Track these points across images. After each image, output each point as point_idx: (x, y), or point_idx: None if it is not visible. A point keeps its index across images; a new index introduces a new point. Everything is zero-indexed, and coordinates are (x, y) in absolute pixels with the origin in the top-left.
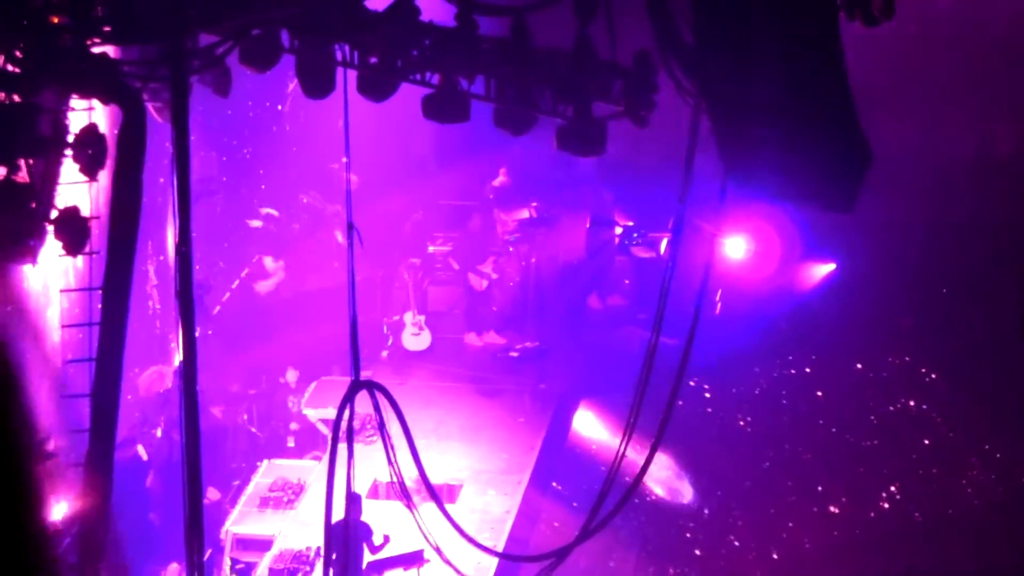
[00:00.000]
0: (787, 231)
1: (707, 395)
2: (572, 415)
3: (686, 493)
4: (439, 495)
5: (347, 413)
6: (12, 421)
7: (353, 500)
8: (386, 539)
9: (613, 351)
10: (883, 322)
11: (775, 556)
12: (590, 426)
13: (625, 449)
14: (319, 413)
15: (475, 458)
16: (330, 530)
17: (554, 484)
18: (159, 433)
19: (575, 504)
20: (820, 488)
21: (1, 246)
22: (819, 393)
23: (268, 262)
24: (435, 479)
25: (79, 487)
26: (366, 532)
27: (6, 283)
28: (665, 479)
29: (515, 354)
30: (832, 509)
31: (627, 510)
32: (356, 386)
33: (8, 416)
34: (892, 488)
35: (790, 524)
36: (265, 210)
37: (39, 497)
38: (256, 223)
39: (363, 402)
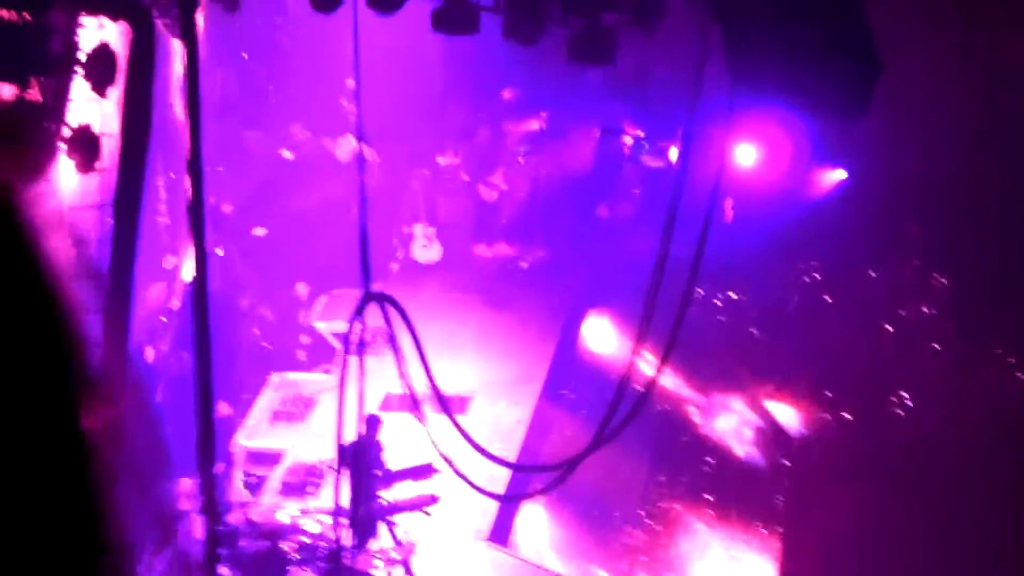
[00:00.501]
0: (797, 138)
1: (718, 303)
2: (582, 325)
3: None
4: (450, 406)
5: (358, 326)
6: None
7: (372, 422)
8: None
9: (623, 261)
10: (891, 228)
11: (787, 463)
12: (601, 336)
13: (635, 358)
14: (330, 326)
15: (486, 369)
16: (342, 449)
17: (565, 393)
18: (165, 347)
19: (586, 413)
20: (830, 394)
21: (14, 165)
22: (828, 298)
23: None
24: (446, 390)
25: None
26: (377, 451)
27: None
28: (676, 389)
29: (525, 265)
30: (844, 415)
31: (638, 420)
32: (367, 298)
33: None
34: (903, 393)
35: (804, 431)
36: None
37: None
38: (287, 154)
39: (374, 315)
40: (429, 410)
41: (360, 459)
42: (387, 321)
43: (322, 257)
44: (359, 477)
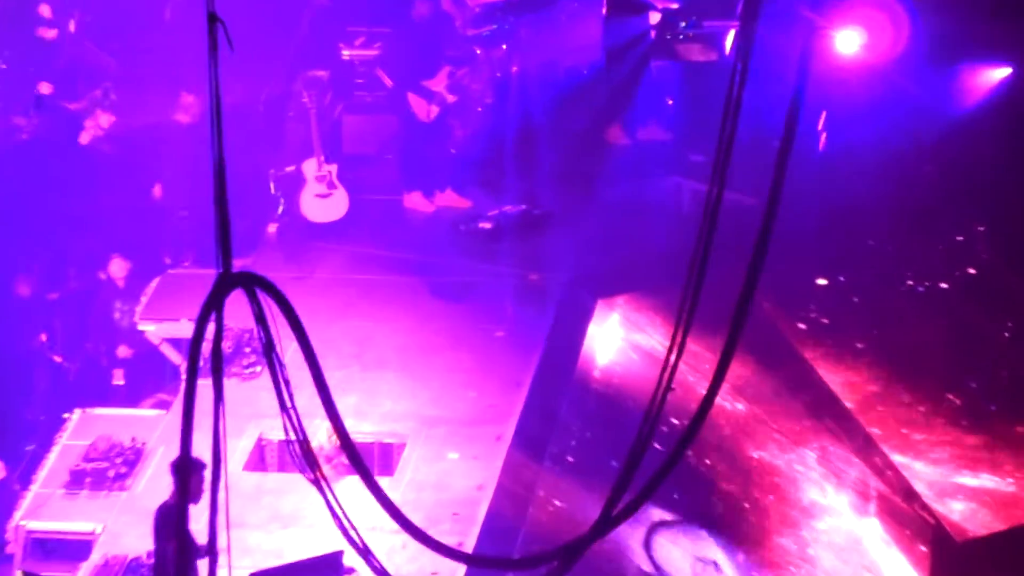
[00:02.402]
0: (930, 19)
1: (810, 287)
2: (584, 325)
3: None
4: (366, 461)
5: (211, 329)
6: None
7: (196, 470)
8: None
9: (648, 217)
10: None
11: (926, 550)
12: (614, 341)
13: (671, 377)
14: (164, 329)
15: (425, 400)
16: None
17: (555, 435)
18: None
19: (590, 466)
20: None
21: None
22: (972, 271)
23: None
24: (359, 435)
25: None
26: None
27: None
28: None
29: (487, 225)
30: None
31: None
32: (226, 283)
33: None
34: None
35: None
36: None
37: None
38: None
39: (239, 310)
40: (331, 467)
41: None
42: (260, 321)
43: (150, 217)
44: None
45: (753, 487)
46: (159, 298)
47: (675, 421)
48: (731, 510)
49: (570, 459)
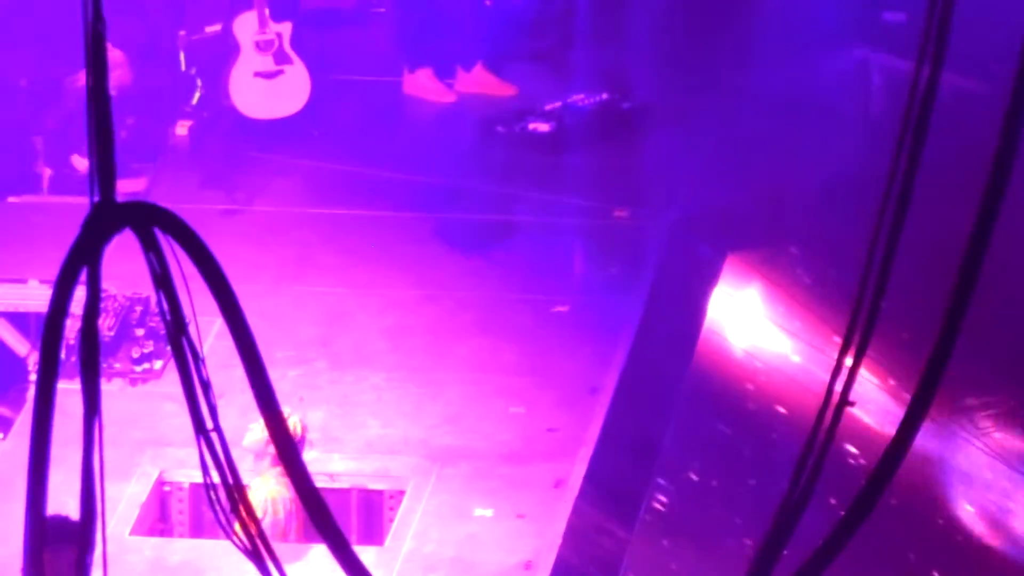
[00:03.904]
0: None
1: None
2: (704, 295)
3: None
4: (335, 521)
5: (80, 296)
6: None
7: (57, 544)
8: None
9: (811, 117)
10: None
11: None
12: (751, 323)
13: (848, 385)
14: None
15: (436, 420)
16: None
17: (654, 488)
18: None
19: (712, 534)
20: None
21: None
22: None
23: None
24: (326, 478)
25: None
26: None
27: None
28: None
29: (544, 127)
30: None
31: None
32: (105, 219)
33: None
34: None
35: None
36: None
37: None
38: None
39: (126, 265)
40: (282, 523)
41: None
42: (162, 284)
43: None
44: None
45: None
46: None
47: (852, 450)
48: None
49: (678, 516)
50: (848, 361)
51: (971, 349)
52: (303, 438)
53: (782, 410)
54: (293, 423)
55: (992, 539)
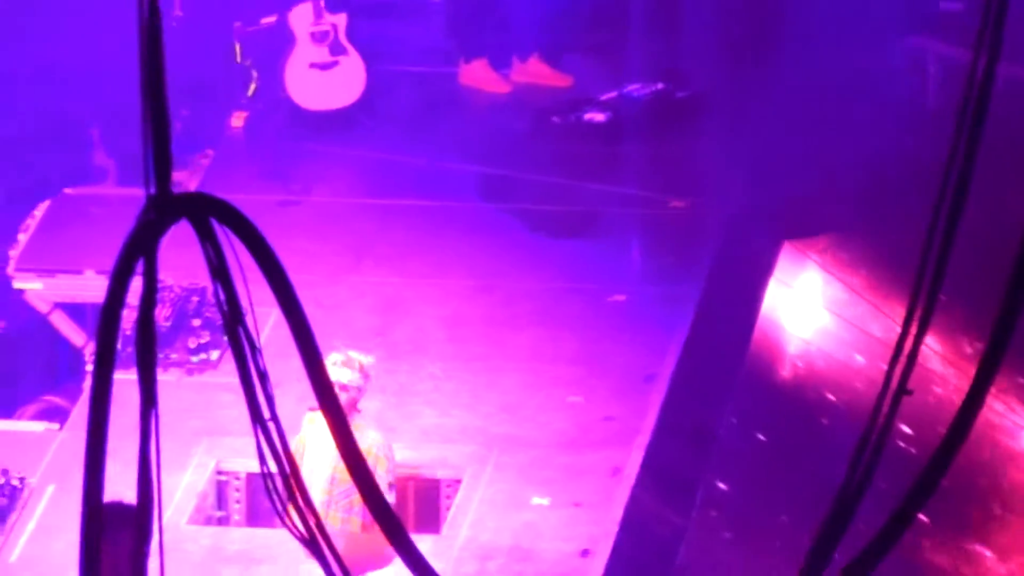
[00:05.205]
0: None
1: None
2: (762, 284)
3: None
4: (394, 512)
5: (136, 287)
6: None
7: (114, 529)
8: None
9: (867, 107)
10: None
11: None
12: (810, 311)
13: (907, 372)
14: (57, 287)
15: (493, 409)
16: None
17: (712, 475)
18: None
19: (769, 523)
20: None
21: None
22: None
23: None
24: (388, 467)
25: None
26: None
27: None
28: None
29: (600, 117)
30: None
31: None
32: (161, 211)
33: None
34: None
35: None
36: None
37: None
38: None
39: (183, 256)
40: (339, 517)
41: None
42: (219, 275)
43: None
44: None
45: None
46: (47, 235)
47: (908, 431)
48: None
49: (735, 507)
50: (907, 348)
51: None
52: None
53: (840, 398)
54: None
55: None
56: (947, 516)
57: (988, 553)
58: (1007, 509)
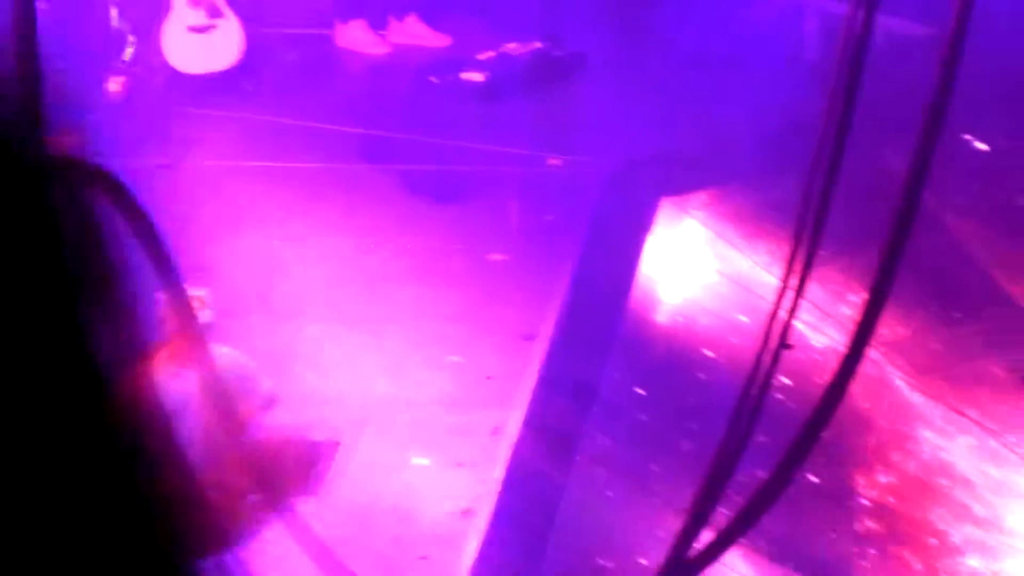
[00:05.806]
0: None
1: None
2: (639, 240)
3: None
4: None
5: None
6: None
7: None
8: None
9: (745, 62)
10: None
11: None
12: (689, 267)
13: (786, 327)
14: None
15: (373, 370)
16: None
17: (592, 433)
18: None
19: (649, 479)
20: None
21: None
22: None
23: None
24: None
25: None
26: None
27: None
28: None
29: (478, 77)
30: None
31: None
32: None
33: None
34: None
35: None
36: None
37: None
38: None
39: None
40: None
41: None
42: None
43: None
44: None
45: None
46: None
47: (787, 382)
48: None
49: (616, 462)
50: (787, 302)
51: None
52: None
53: (719, 353)
54: None
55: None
56: (827, 468)
57: (866, 502)
58: (880, 461)
